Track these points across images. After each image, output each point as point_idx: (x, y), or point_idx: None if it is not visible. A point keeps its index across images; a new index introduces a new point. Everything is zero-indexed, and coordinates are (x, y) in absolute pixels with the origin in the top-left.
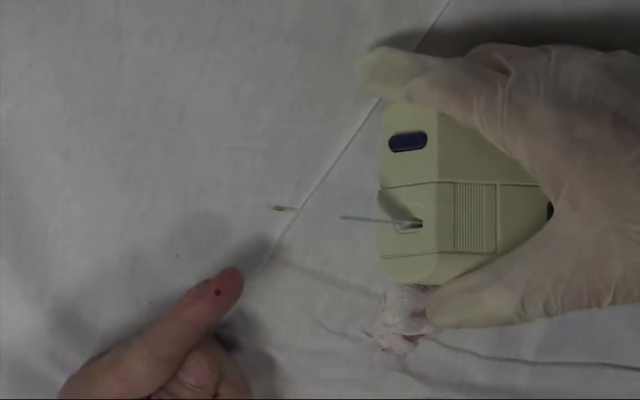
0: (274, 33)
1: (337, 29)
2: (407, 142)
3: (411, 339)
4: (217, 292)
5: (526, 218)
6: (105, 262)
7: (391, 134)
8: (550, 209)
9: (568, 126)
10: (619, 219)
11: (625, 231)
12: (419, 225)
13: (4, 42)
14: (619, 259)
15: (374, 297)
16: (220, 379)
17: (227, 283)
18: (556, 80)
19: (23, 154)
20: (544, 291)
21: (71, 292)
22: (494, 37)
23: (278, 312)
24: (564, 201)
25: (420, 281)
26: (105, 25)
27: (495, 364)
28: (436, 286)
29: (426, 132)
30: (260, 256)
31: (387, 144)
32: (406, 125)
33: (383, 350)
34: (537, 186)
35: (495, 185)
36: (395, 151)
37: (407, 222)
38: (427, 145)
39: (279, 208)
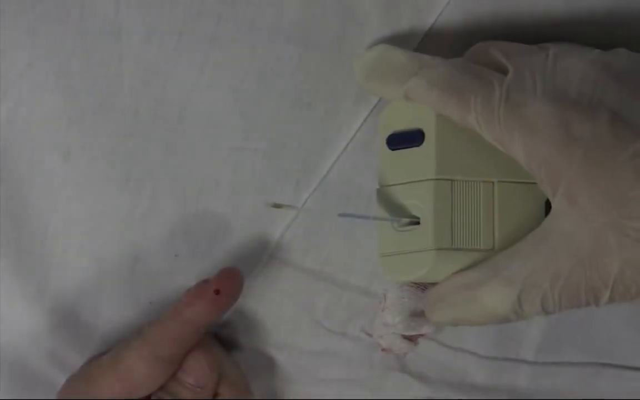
0: (273, 33)
1: (337, 28)
2: (405, 140)
3: (411, 339)
4: (217, 292)
5: (524, 215)
6: (105, 262)
7: (389, 132)
8: (548, 206)
9: (565, 123)
10: (617, 215)
11: (622, 227)
12: (416, 222)
13: (4, 42)
14: (617, 255)
15: (373, 296)
16: (220, 379)
17: (227, 283)
18: (554, 77)
19: (23, 154)
20: (542, 288)
21: (71, 291)
22: (494, 37)
23: (278, 312)
24: (561, 198)
25: (418, 278)
26: (105, 25)
27: (495, 363)
28: (435, 285)
29: (424, 130)
30: (260, 256)
31: (385, 142)
32: (404, 124)
33: (383, 350)
34: (535, 183)
35: (493, 183)
36: (393, 149)
37: (405, 220)
38: (425, 142)
39: (277, 205)
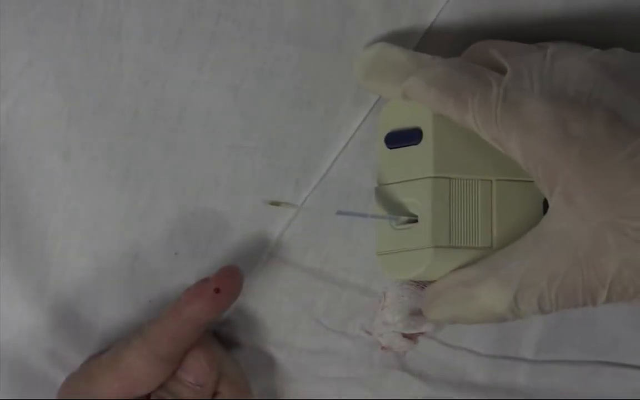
0: (273, 32)
1: (337, 28)
2: (403, 138)
3: (411, 337)
4: (217, 290)
5: (522, 213)
6: (105, 260)
7: (387, 130)
8: (546, 205)
9: (562, 122)
10: (614, 215)
11: (620, 227)
12: (414, 220)
13: (4, 40)
14: (614, 254)
15: (373, 295)
16: (219, 377)
17: (226, 281)
18: (551, 76)
19: (23, 153)
20: (539, 287)
21: (71, 290)
22: (493, 36)
23: (277, 311)
24: (558, 197)
25: (416, 277)
26: (105, 24)
27: (495, 362)
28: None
29: (422, 128)
30: (260, 254)
31: (383, 140)
32: (402, 122)
33: (382, 348)
34: (533, 182)
35: (491, 181)
36: (391, 148)
37: (403, 218)
38: (423, 141)
39: (276, 203)
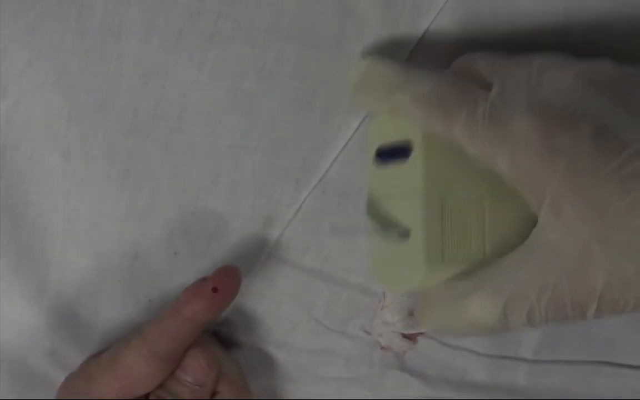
0: (273, 32)
1: (336, 28)
2: (393, 153)
3: (410, 337)
4: (215, 290)
5: (514, 227)
6: (104, 260)
7: (377, 144)
8: None
9: (549, 135)
10: (601, 227)
11: (607, 239)
12: (407, 235)
13: (4, 40)
14: (602, 267)
15: (373, 295)
16: (218, 377)
17: (224, 281)
18: (538, 90)
19: (23, 153)
20: (528, 300)
21: (71, 290)
22: (492, 37)
23: (277, 311)
24: (547, 210)
25: (409, 291)
26: (105, 24)
27: (495, 362)
28: None
29: (412, 143)
30: (259, 254)
31: (373, 155)
32: (392, 137)
33: (382, 348)
34: None
35: (482, 195)
36: (381, 163)
37: (396, 233)
38: (413, 156)
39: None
